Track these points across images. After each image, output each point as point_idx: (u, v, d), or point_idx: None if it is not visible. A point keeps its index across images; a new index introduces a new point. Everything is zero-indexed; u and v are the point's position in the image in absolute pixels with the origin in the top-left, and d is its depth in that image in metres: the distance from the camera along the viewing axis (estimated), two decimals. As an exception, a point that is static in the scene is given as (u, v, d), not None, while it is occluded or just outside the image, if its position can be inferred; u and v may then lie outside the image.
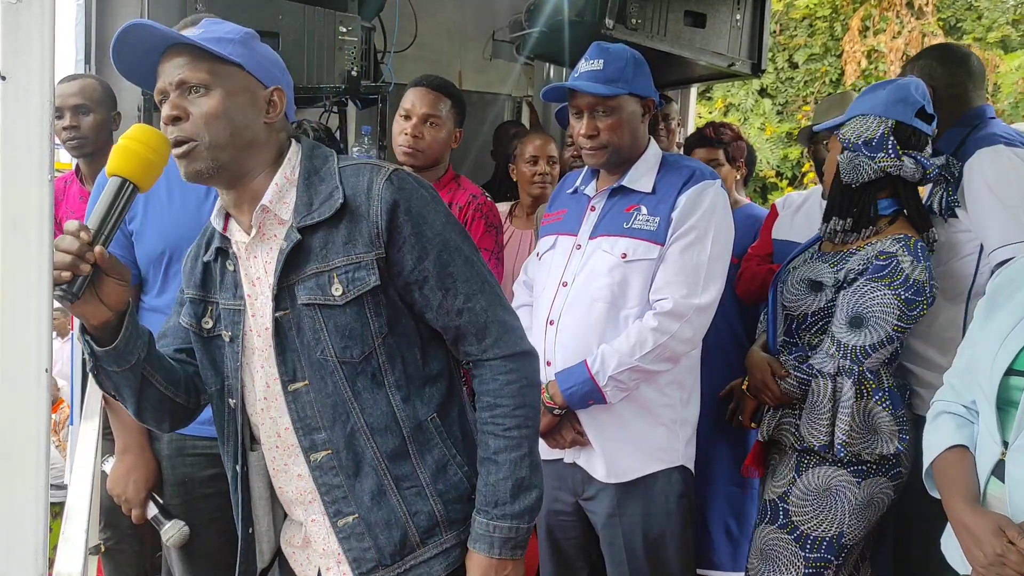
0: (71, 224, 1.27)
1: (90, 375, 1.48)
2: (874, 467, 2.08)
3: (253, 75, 1.43)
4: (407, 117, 2.56)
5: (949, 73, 2.34)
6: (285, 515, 1.64)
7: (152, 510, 2.02)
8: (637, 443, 2.09)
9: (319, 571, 1.56)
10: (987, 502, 1.57)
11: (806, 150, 2.64)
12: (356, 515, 1.46)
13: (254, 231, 1.45)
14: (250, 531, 1.59)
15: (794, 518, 2.13)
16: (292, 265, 1.42)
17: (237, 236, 1.50)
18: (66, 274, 1.23)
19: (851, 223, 2.12)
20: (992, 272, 2.16)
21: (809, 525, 2.11)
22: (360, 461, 1.44)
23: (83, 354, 1.46)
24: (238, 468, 1.56)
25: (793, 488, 2.15)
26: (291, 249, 1.41)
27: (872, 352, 2.04)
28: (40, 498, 1.02)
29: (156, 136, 1.35)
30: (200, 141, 1.37)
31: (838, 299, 2.11)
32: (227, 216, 1.51)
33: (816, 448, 2.09)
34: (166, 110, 1.38)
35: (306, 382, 1.44)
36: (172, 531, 1.97)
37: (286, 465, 1.51)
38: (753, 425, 2.31)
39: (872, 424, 2.06)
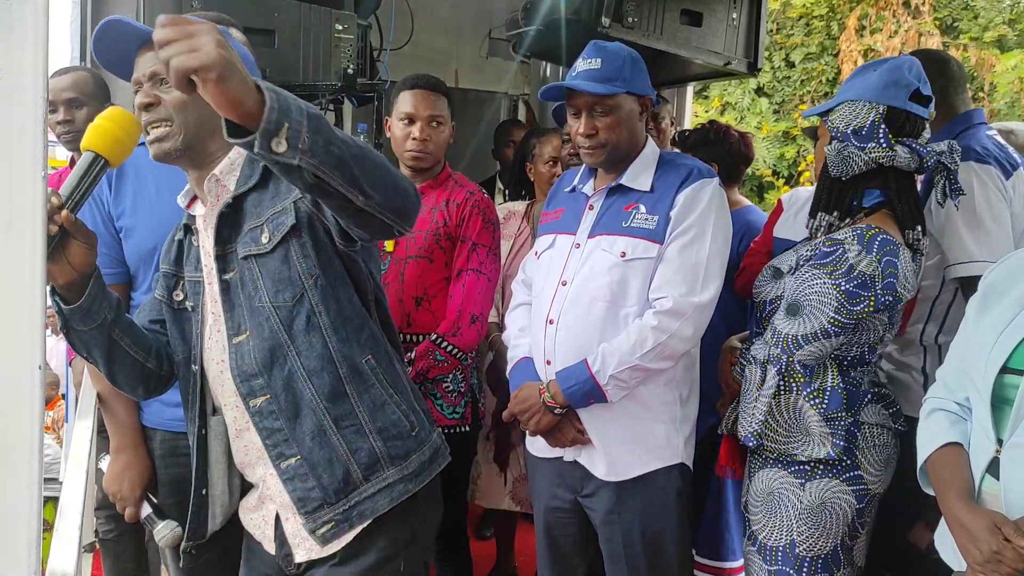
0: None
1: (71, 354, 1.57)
2: (819, 468, 1.94)
3: None
4: (411, 121, 2.51)
5: (928, 79, 2.28)
6: (241, 484, 1.74)
7: (146, 509, 2.02)
8: (638, 441, 2.09)
9: (277, 516, 1.64)
10: (982, 499, 1.57)
11: (814, 145, 2.59)
12: (298, 456, 1.54)
13: (209, 202, 1.59)
14: (204, 492, 1.69)
15: (753, 527, 2.05)
16: (231, 229, 1.56)
17: (198, 211, 1.64)
18: None
19: (838, 216, 1.99)
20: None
21: (764, 534, 2.01)
22: (299, 403, 1.53)
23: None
24: (201, 432, 1.67)
25: (748, 495, 2.08)
26: (227, 212, 1.55)
27: (804, 343, 1.90)
28: (33, 496, 1.02)
29: (128, 118, 1.47)
30: (171, 123, 1.50)
31: (785, 285, 2.01)
32: (194, 197, 1.66)
33: (742, 438, 2.01)
34: (139, 98, 1.50)
35: (248, 333, 1.55)
36: (165, 531, 1.96)
37: (248, 422, 1.59)
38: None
39: (801, 422, 1.94)
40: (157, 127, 1.50)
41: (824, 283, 1.88)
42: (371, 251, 1.67)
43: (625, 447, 2.09)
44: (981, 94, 10.52)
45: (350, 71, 3.14)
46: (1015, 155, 2.29)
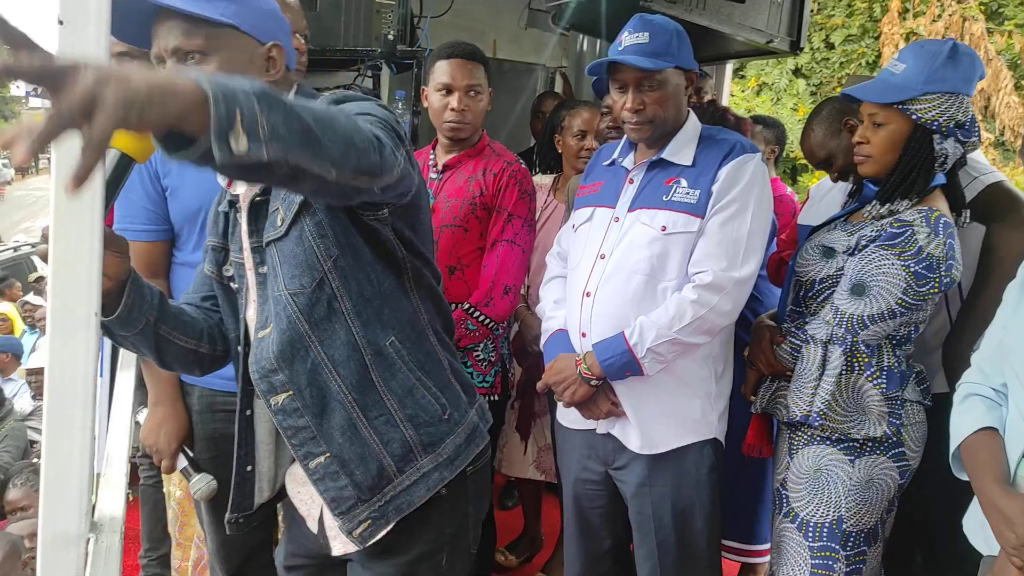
0: None
1: None
2: (868, 445, 1.98)
3: (249, 34, 1.41)
4: (448, 91, 2.50)
5: None
6: (293, 458, 1.65)
7: (182, 462, 2.04)
8: (672, 415, 2.10)
9: (322, 510, 1.59)
10: (1017, 484, 1.56)
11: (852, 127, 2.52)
12: (328, 454, 1.45)
13: (247, 185, 1.49)
14: (249, 469, 1.62)
15: (793, 505, 2.05)
16: (262, 218, 1.46)
17: (239, 189, 1.53)
18: None
19: (916, 201, 1.96)
20: None
21: (807, 511, 2.02)
22: (326, 397, 1.44)
23: None
24: (246, 412, 1.60)
25: (789, 472, 2.08)
26: (259, 201, 1.45)
27: (870, 324, 1.92)
28: (86, 439, 1.04)
29: None
30: None
31: (846, 266, 2.00)
32: None
33: (797, 418, 2.01)
34: None
35: (270, 327, 1.45)
36: (200, 484, 1.98)
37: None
38: (752, 398, 2.24)
39: (860, 402, 1.96)
40: None
41: (893, 264, 1.89)
42: (411, 211, 1.50)
43: (659, 420, 2.10)
44: (1024, 82, 10.33)
45: (390, 37, 3.14)
46: None
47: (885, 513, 2.02)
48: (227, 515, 1.62)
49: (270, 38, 1.45)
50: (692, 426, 2.11)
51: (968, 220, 2.01)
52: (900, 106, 1.96)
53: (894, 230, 1.92)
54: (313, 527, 1.61)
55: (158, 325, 1.49)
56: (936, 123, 1.94)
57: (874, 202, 2.04)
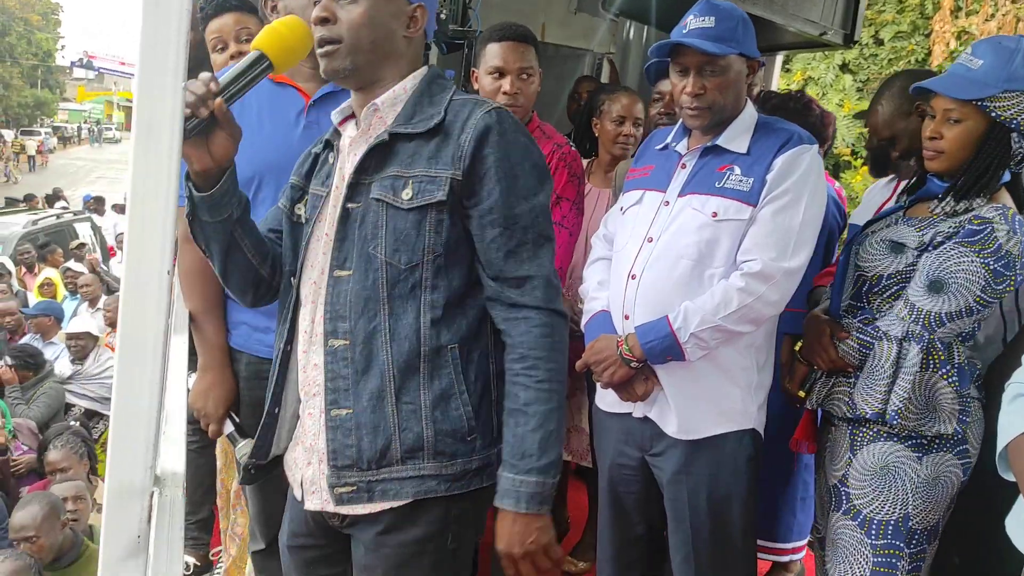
0: (204, 74, 1.39)
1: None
2: (936, 442, 1.97)
3: None
4: (501, 74, 2.49)
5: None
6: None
7: (228, 427, 2.08)
8: (712, 402, 2.09)
9: (301, 476, 1.62)
10: (1066, 488, 1.54)
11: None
12: (351, 410, 1.51)
13: (362, 128, 1.57)
14: (276, 411, 1.68)
15: (855, 502, 2.04)
16: (375, 163, 1.52)
17: (348, 132, 1.62)
18: (185, 111, 1.31)
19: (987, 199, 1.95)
20: None
21: (871, 508, 2.01)
22: (371, 360, 1.50)
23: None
24: (286, 348, 1.65)
25: (850, 469, 2.06)
26: (377, 146, 1.51)
27: (947, 321, 1.92)
28: (155, 393, 1.06)
29: (302, 28, 1.50)
30: (343, 43, 1.48)
31: (919, 262, 1.98)
32: (348, 116, 1.64)
33: (868, 416, 2.00)
34: (317, 11, 1.49)
35: (351, 272, 1.52)
36: (246, 449, 1.99)
37: (306, 352, 1.60)
38: (801, 393, 2.22)
39: (933, 400, 1.95)
40: (328, 44, 1.49)
41: (972, 261, 1.89)
42: None
43: (699, 406, 2.09)
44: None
45: (442, 16, 3.14)
46: None
47: (945, 511, 2.02)
48: (244, 460, 1.70)
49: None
50: (732, 415, 2.10)
51: None
52: (979, 103, 1.93)
53: (974, 227, 1.91)
54: (297, 493, 1.65)
55: (236, 226, 1.58)
56: (1015, 122, 1.91)
57: (947, 198, 2.01)
